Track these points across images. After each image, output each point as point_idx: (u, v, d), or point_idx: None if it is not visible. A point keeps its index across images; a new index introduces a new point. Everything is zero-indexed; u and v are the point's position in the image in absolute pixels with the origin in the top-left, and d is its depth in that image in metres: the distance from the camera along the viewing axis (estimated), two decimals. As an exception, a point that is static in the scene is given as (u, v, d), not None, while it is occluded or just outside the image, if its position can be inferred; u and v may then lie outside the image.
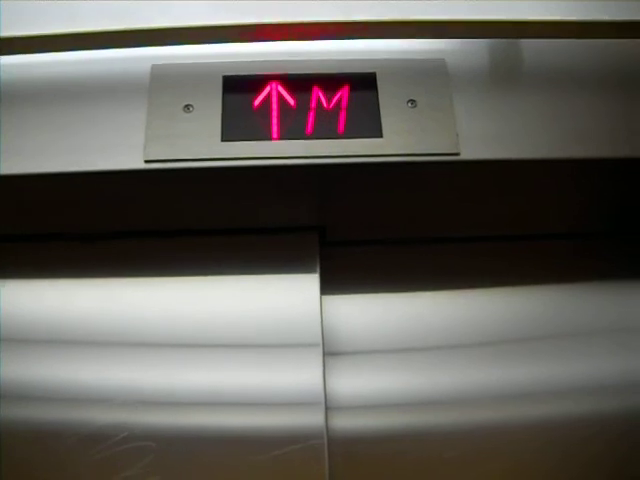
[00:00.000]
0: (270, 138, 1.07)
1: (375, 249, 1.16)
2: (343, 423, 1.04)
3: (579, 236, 1.17)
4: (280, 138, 1.07)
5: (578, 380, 1.09)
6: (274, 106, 1.09)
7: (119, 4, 1.10)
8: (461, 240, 1.16)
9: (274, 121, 1.08)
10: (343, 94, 1.10)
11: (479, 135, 1.08)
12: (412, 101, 1.09)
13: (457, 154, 1.06)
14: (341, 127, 1.08)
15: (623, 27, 1.10)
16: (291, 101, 1.09)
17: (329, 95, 1.10)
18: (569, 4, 1.11)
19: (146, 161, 1.06)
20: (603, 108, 1.10)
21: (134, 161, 1.06)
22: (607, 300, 1.15)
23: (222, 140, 1.06)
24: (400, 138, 1.07)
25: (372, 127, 1.08)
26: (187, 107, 1.08)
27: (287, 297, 1.11)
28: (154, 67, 1.11)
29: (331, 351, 1.08)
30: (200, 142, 1.06)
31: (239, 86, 1.10)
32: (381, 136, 1.07)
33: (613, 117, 1.10)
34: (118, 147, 1.06)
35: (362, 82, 1.10)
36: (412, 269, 1.16)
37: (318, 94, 1.10)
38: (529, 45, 1.14)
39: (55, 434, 1.02)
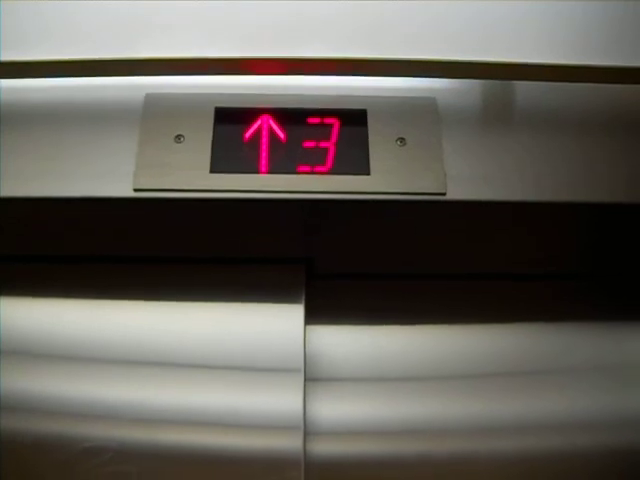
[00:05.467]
0: (258, 171, 1.08)
1: (361, 283, 1.18)
2: (321, 448, 1.06)
3: (559, 276, 1.18)
4: (269, 172, 1.08)
5: (563, 415, 1.10)
6: (264, 140, 1.10)
7: (116, 33, 1.12)
8: (444, 277, 1.17)
9: (263, 155, 1.09)
10: (333, 130, 1.10)
11: (467, 176, 1.08)
12: (401, 139, 1.10)
13: (443, 194, 1.07)
14: (329, 163, 1.09)
15: (616, 72, 1.10)
16: (281, 135, 1.10)
17: (319, 130, 1.11)
18: (562, 47, 1.12)
19: (135, 190, 1.07)
20: (593, 152, 1.11)
21: (123, 189, 1.07)
22: (595, 338, 1.16)
23: (211, 172, 1.07)
24: (387, 176, 1.08)
25: (360, 164, 1.08)
26: (178, 137, 1.09)
27: (272, 325, 1.13)
28: (148, 96, 1.12)
29: (312, 377, 1.10)
30: (189, 173, 1.07)
31: (231, 118, 1.11)
32: (369, 173, 1.08)
33: (603, 161, 1.10)
34: (108, 174, 1.08)
35: (352, 118, 1.11)
36: (394, 303, 1.17)
37: (308, 129, 1.10)
38: (521, 87, 1.14)
39: (39, 447, 1.04)
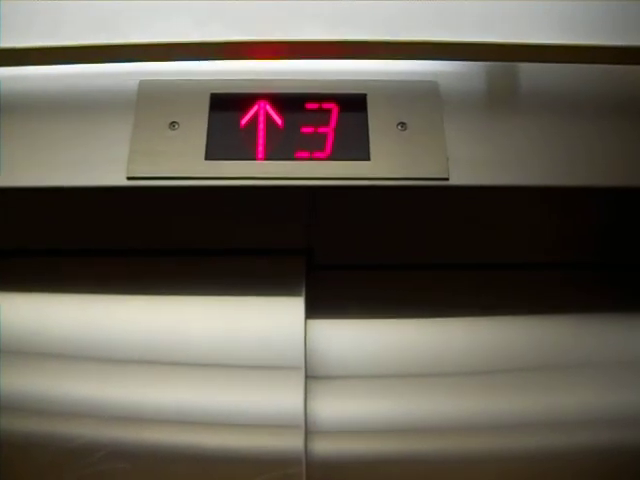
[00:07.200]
0: (255, 158, 1.05)
1: (362, 274, 1.14)
2: (323, 447, 1.03)
3: (567, 266, 1.14)
4: (265, 158, 1.05)
5: (564, 412, 1.06)
6: (261, 125, 1.07)
7: (108, 19, 1.09)
8: (449, 267, 1.14)
9: (260, 141, 1.06)
10: (332, 115, 1.08)
11: (470, 160, 1.05)
12: (402, 124, 1.07)
13: (446, 179, 1.04)
14: (329, 148, 1.06)
15: (622, 52, 1.08)
16: (279, 121, 1.07)
17: (318, 115, 1.08)
18: (566, 28, 1.09)
19: (128, 178, 1.04)
20: (597, 135, 1.07)
21: (116, 178, 1.04)
22: (599, 332, 1.12)
23: (206, 159, 1.05)
24: (388, 161, 1.05)
25: (360, 149, 1.06)
26: (173, 124, 1.07)
27: (271, 319, 1.10)
28: (142, 83, 1.10)
29: (313, 375, 1.07)
30: (183, 160, 1.04)
31: (226, 104, 1.08)
32: (369, 159, 1.05)
33: (608, 145, 1.07)
34: (101, 163, 1.05)
35: (352, 103, 1.08)
36: (399, 295, 1.14)
37: (306, 114, 1.08)
38: (524, 69, 1.12)
39: (31, 447, 1.01)
